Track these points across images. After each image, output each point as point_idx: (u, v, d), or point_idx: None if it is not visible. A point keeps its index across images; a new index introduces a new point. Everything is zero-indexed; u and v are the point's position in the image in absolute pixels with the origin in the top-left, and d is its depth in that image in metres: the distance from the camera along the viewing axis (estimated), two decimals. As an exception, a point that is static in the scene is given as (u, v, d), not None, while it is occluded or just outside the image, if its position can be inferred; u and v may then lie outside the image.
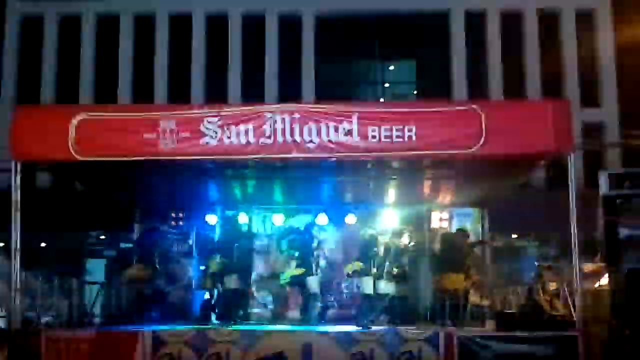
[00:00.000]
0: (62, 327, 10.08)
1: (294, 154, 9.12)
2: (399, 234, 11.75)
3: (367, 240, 11.83)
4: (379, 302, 11.32)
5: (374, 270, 11.29)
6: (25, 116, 9.51)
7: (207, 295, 12.12)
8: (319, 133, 9.02)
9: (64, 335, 9.13)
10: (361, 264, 11.40)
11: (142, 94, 23.76)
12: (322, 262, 12.00)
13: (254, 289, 12.76)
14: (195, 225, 12.96)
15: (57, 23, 24.80)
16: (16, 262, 9.18)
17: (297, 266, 11.41)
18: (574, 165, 9.13)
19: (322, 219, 12.59)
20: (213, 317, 11.56)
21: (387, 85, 26.41)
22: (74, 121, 9.10)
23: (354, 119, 9.02)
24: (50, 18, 24.79)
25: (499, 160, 9.41)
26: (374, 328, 9.86)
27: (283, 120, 9.06)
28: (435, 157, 9.29)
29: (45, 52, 24.61)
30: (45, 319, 10.55)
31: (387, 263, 11.19)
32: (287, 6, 24.68)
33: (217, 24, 24.84)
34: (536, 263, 14.87)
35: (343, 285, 12.62)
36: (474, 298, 10.97)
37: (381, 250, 11.59)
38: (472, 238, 11.82)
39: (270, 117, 9.07)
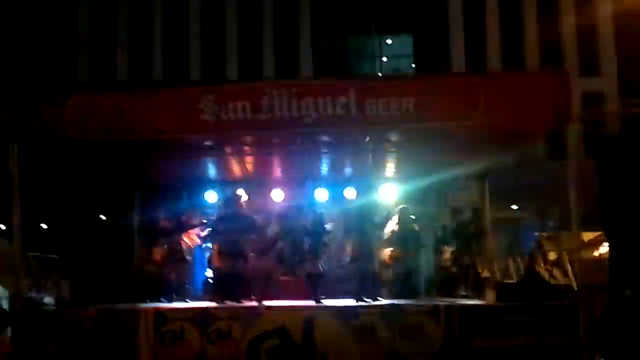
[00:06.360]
0: (64, 306, 10.12)
1: (292, 129, 9.09)
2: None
3: None
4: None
5: None
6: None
7: (209, 273, 12.18)
8: (316, 108, 8.97)
9: (67, 314, 9.19)
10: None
11: (139, 73, 23.66)
12: None
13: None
14: (194, 203, 12.94)
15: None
16: (18, 244, 9.22)
17: None
18: (574, 136, 9.09)
19: (322, 194, 12.59)
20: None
21: (385, 59, 26.24)
22: (70, 102, 9.06)
23: (352, 93, 8.95)
24: None
25: (499, 131, 9.39)
26: (375, 302, 9.89)
27: (281, 95, 9.01)
28: (434, 129, 9.24)
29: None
30: (47, 299, 10.61)
31: None
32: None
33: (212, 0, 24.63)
34: (536, 233, 14.91)
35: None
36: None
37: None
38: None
39: (268, 93, 9.02)
